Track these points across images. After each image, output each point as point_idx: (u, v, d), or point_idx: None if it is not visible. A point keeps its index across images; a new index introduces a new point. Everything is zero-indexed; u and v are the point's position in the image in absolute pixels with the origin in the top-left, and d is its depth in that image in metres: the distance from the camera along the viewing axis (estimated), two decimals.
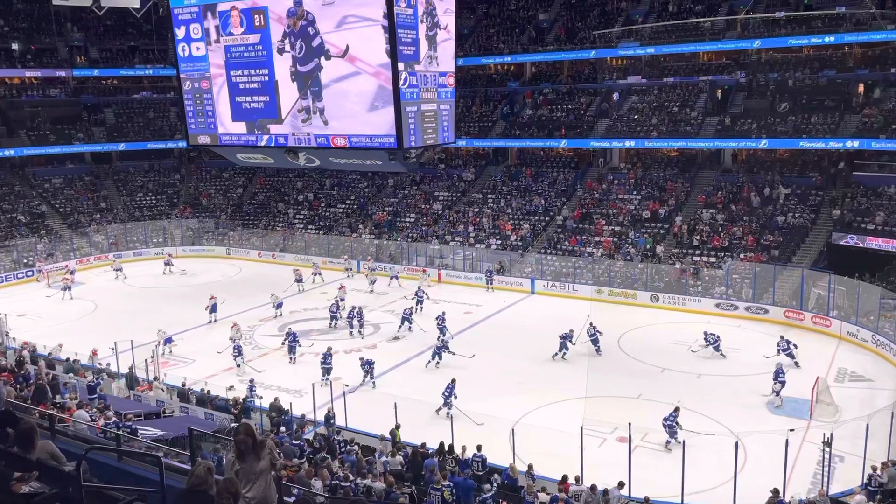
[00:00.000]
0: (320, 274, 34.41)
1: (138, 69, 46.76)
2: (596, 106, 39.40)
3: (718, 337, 23.54)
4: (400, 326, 26.64)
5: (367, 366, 21.31)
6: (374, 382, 21.26)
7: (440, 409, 18.99)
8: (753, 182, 33.66)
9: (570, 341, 23.34)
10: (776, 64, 36.34)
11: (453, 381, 19.33)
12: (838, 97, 33.11)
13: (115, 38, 47.67)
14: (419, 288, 30.13)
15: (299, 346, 23.88)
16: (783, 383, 19.30)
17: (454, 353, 22.88)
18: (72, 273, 35.48)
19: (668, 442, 17.02)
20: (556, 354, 23.19)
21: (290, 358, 23.56)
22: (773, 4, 35.62)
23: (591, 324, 24.16)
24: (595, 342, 23.86)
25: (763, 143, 32.78)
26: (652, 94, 38.33)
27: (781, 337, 23.14)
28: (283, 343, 24.05)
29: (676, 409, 17.21)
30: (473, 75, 44.58)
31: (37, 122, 43.74)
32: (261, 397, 19.58)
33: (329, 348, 22.33)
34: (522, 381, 21.45)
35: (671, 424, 17.03)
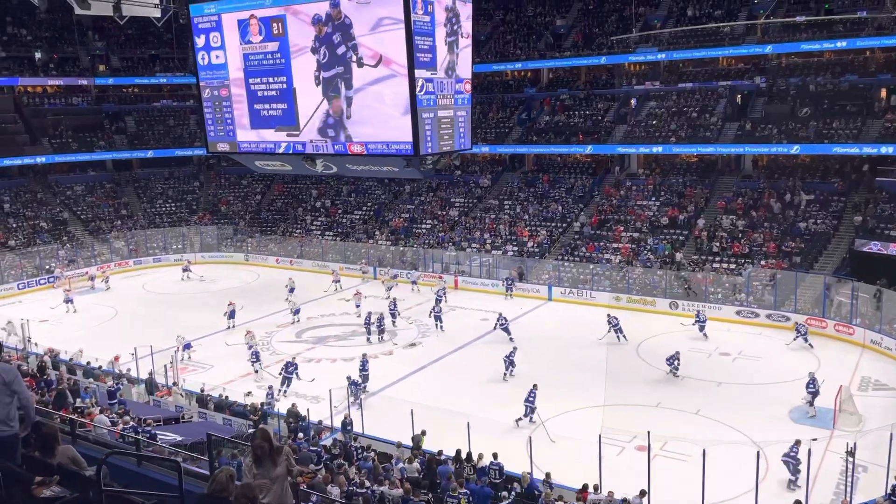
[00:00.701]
0: (339, 281, 34.47)
1: (159, 77, 47.33)
2: (614, 112, 39.26)
3: (706, 320, 25.93)
4: (437, 325, 27.56)
5: (354, 386, 20.32)
6: (360, 403, 19.78)
7: (521, 418, 18.76)
8: (774, 188, 33.35)
9: (678, 361, 22.02)
10: (797, 69, 36.04)
11: (535, 386, 19.10)
12: (860, 102, 32.75)
13: (136, 47, 48.29)
14: (442, 289, 30.85)
15: (297, 378, 21.46)
16: (815, 393, 18.98)
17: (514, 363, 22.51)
18: (92, 279, 35.95)
19: (790, 480, 15.18)
20: (674, 374, 21.97)
21: (281, 390, 20.91)
22: (794, 9, 35.34)
23: (608, 314, 26.04)
24: (618, 330, 25.21)
25: (795, 149, 32.14)
26: (670, 99, 38.14)
27: (797, 322, 25.17)
28: (279, 373, 21.65)
29: (798, 442, 15.34)
30: (490, 81, 44.63)
31: (59, 129, 44.35)
32: (278, 400, 19.61)
33: (364, 355, 22.34)
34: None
35: (794, 459, 15.11)
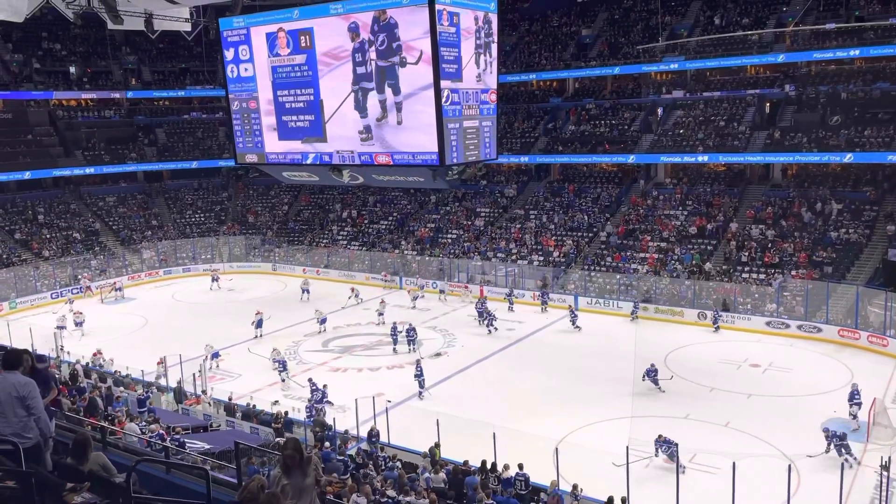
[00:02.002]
0: (358, 295, 33.43)
1: (189, 90, 48.12)
2: (640, 121, 39.04)
3: (573, 315, 28.95)
4: (485, 322, 28.77)
5: (321, 392, 20.37)
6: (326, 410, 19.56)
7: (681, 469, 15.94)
8: (804, 197, 32.87)
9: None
10: (827, 76, 35.55)
11: (667, 439, 16.84)
12: (893, 110, 32.18)
13: (167, 61, 49.20)
14: (510, 292, 32.59)
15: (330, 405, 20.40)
16: (860, 405, 18.57)
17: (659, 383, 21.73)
18: (119, 290, 36.51)
19: None
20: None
21: (323, 410, 20.02)
22: (823, 17, 34.90)
23: (570, 306, 29.85)
24: (574, 321, 28.25)
25: (848, 158, 31.18)
26: (697, 108, 37.83)
27: (716, 309, 28.24)
28: (315, 401, 20.34)
29: None
30: (516, 91, 44.66)
31: (92, 142, 45.24)
32: (323, 412, 19.62)
33: (418, 360, 22.76)
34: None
35: None
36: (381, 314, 29.89)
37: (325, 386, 20.77)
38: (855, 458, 16.56)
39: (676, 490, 13.85)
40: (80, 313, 30.72)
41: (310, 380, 20.94)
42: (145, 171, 46.87)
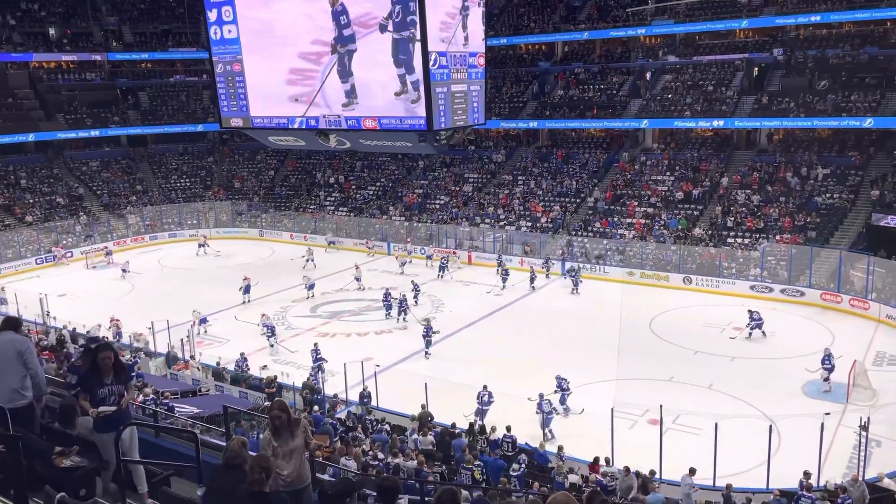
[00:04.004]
0: (312, 259, 33.76)
1: (172, 52, 47.25)
2: (629, 85, 38.82)
3: (413, 295, 27.47)
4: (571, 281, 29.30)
5: (316, 354, 20.50)
6: (324, 378, 19.75)
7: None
8: (790, 162, 32.97)
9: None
10: (815, 41, 35.40)
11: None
12: (880, 74, 32.17)
13: (149, 22, 48.20)
14: (577, 269, 30.79)
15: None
16: (830, 368, 18.90)
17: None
18: (109, 254, 36.30)
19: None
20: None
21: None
22: None
23: (442, 259, 32.09)
24: (415, 298, 27.07)
25: (868, 122, 30.56)
26: (686, 72, 37.65)
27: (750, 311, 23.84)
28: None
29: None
30: (504, 55, 44.19)
31: (74, 105, 44.48)
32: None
33: (427, 320, 23.20)
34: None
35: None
36: (358, 279, 29.95)
37: (315, 344, 20.99)
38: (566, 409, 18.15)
39: (660, 451, 14.13)
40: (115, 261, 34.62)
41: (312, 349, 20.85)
42: (128, 135, 46.21)
